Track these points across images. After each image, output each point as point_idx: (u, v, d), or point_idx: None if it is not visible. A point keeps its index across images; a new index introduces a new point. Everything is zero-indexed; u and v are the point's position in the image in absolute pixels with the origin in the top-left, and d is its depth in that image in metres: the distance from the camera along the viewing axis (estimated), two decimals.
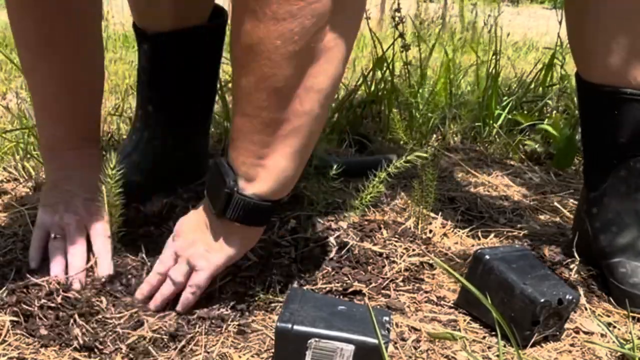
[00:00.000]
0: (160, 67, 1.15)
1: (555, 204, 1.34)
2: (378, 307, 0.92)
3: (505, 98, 1.80)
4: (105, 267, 0.94)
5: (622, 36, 0.95)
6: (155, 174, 1.16)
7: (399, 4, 1.71)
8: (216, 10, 1.17)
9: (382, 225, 1.13)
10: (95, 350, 0.79)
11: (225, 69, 1.96)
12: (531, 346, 0.86)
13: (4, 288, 0.88)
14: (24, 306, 0.84)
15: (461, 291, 0.96)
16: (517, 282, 0.86)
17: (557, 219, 1.28)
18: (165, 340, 0.81)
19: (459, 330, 0.89)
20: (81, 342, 0.79)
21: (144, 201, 1.12)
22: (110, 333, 0.81)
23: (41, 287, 0.88)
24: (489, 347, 0.86)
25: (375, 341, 0.71)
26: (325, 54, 0.76)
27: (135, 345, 0.80)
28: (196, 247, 0.86)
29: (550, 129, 1.57)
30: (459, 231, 1.17)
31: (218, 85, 1.37)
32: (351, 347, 0.72)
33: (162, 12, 1.11)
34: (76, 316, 0.83)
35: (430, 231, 1.15)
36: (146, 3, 1.13)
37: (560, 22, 1.55)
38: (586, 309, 0.96)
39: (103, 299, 0.87)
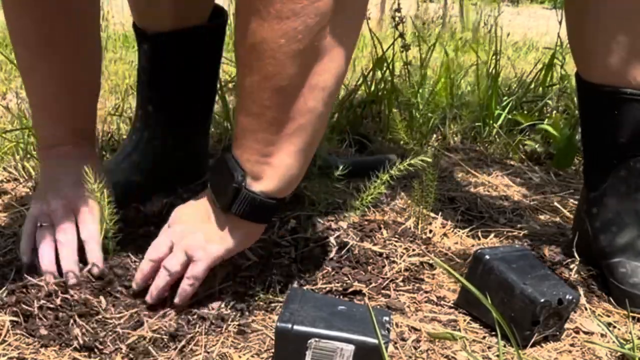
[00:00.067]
0: (160, 67, 1.15)
1: (555, 204, 1.34)
2: (378, 307, 0.92)
3: (505, 98, 1.80)
4: (94, 253, 0.91)
5: (622, 36, 0.95)
6: (155, 174, 1.16)
7: (399, 4, 1.71)
8: (216, 10, 1.17)
9: (382, 225, 1.13)
10: (95, 350, 0.79)
11: (225, 69, 1.96)
12: (531, 346, 0.86)
13: (3, 288, 0.88)
14: (24, 306, 0.84)
15: (461, 291, 0.96)
16: (517, 282, 0.86)
17: (557, 219, 1.28)
18: (165, 340, 0.81)
19: (459, 330, 0.89)
20: (81, 342, 0.79)
21: (144, 201, 1.12)
22: (110, 333, 0.81)
23: (41, 287, 0.88)
24: (489, 347, 0.86)
25: (375, 341, 0.71)
26: (329, 52, 0.76)
27: (135, 345, 0.80)
28: (195, 236, 0.86)
29: (550, 129, 1.57)
30: (459, 231, 1.17)
31: (218, 85, 1.37)
32: (351, 347, 0.72)
33: (162, 12, 1.11)
34: (76, 316, 0.83)
35: (430, 231, 1.15)
36: (146, 3, 1.13)
37: (560, 22, 1.55)
38: (586, 309, 0.96)
39: (103, 299, 0.87)
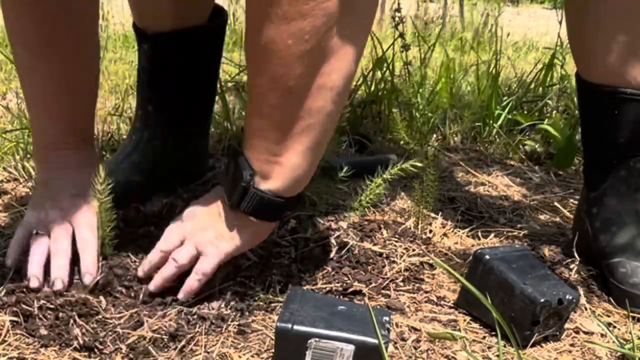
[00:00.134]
0: (160, 67, 1.15)
1: (555, 204, 1.34)
2: (378, 307, 0.92)
3: (505, 98, 1.80)
4: (88, 265, 0.90)
5: (622, 36, 0.95)
6: (155, 174, 1.16)
7: (399, 4, 1.71)
8: (216, 10, 1.17)
9: (382, 225, 1.13)
10: (95, 350, 0.79)
11: (226, 69, 1.97)
12: (531, 346, 0.86)
13: (3, 288, 0.88)
14: (24, 306, 0.84)
15: (461, 291, 0.96)
16: (517, 282, 0.86)
17: (557, 219, 1.28)
18: (165, 340, 0.81)
19: (459, 330, 0.89)
20: (81, 342, 0.79)
21: (144, 201, 1.12)
22: (110, 333, 0.81)
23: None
24: (489, 347, 0.86)
25: (375, 341, 0.71)
26: (337, 52, 0.76)
27: (135, 345, 0.80)
28: (206, 233, 0.87)
29: (550, 129, 1.57)
30: (459, 231, 1.17)
31: (218, 85, 1.37)
32: (351, 347, 0.72)
33: (162, 12, 1.11)
34: (76, 316, 0.83)
35: (430, 231, 1.15)
36: (146, 3, 1.13)
37: (560, 22, 1.55)
38: (586, 309, 0.96)
39: (103, 299, 0.87)
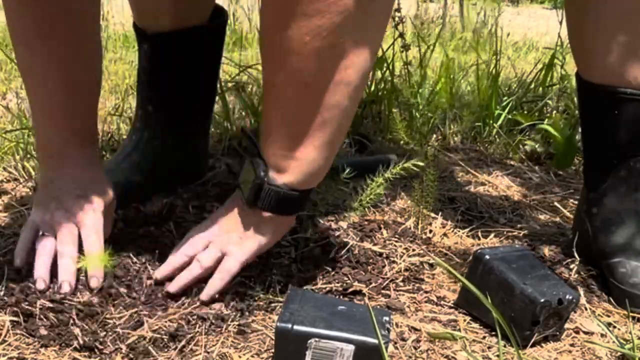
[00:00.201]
0: (160, 67, 1.15)
1: (555, 204, 1.34)
2: (378, 307, 0.91)
3: (505, 98, 1.80)
4: (94, 266, 0.90)
5: (622, 36, 0.95)
6: (155, 174, 1.16)
7: (399, 4, 1.71)
8: (216, 10, 1.17)
9: (382, 225, 1.13)
10: (95, 350, 0.79)
11: (226, 69, 1.96)
12: (531, 346, 0.86)
13: (3, 288, 0.88)
14: (24, 306, 0.84)
15: (461, 291, 0.96)
16: (517, 282, 0.86)
17: (557, 219, 1.28)
18: (165, 340, 0.81)
19: (459, 330, 0.89)
20: (81, 342, 0.79)
21: (144, 201, 1.12)
22: (110, 333, 0.81)
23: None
24: (489, 347, 0.86)
25: (375, 341, 0.71)
26: (354, 48, 0.77)
27: (135, 345, 0.80)
28: (230, 235, 0.89)
29: (550, 129, 1.57)
30: (459, 231, 1.17)
31: (218, 85, 1.37)
32: (351, 347, 0.72)
33: (162, 12, 1.11)
34: (76, 316, 0.83)
35: (430, 231, 1.15)
36: (146, 3, 1.13)
37: (560, 22, 1.55)
38: (586, 309, 0.96)
39: (103, 299, 0.87)
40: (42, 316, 0.83)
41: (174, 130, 1.19)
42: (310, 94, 0.79)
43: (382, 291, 0.96)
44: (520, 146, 1.66)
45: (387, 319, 0.75)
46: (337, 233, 1.07)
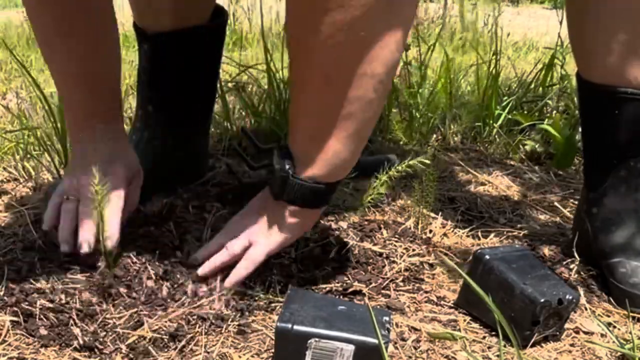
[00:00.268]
0: (160, 67, 1.15)
1: (555, 204, 1.34)
2: (378, 307, 0.92)
3: (505, 98, 1.80)
4: (111, 230, 0.93)
5: (622, 36, 0.95)
6: (155, 174, 1.16)
7: None
8: (216, 10, 1.17)
9: (382, 225, 1.13)
10: (95, 350, 0.79)
11: (226, 69, 1.96)
12: (531, 346, 0.86)
13: (3, 288, 0.88)
14: (24, 306, 0.84)
15: (461, 291, 0.96)
16: (517, 282, 0.86)
17: (557, 219, 1.28)
18: (165, 340, 0.81)
19: (459, 330, 0.89)
20: (81, 342, 0.79)
21: (144, 201, 1.12)
22: (110, 333, 0.81)
23: (41, 287, 0.88)
24: (489, 347, 0.86)
25: (375, 341, 0.71)
26: (378, 41, 0.76)
27: (135, 345, 0.80)
28: (260, 225, 0.91)
29: (550, 129, 1.57)
30: (459, 231, 1.17)
31: (218, 85, 1.37)
32: (351, 347, 0.72)
33: (162, 12, 1.11)
34: (76, 316, 0.83)
35: (430, 231, 1.15)
36: (146, 3, 1.13)
37: (560, 22, 1.55)
38: (586, 309, 0.96)
39: (103, 299, 0.87)
40: (42, 316, 0.83)
41: (174, 130, 1.19)
42: (333, 87, 0.79)
43: (382, 291, 0.96)
44: (520, 146, 1.66)
45: (387, 319, 0.75)
46: (337, 233, 1.07)
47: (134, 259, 0.97)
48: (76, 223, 0.94)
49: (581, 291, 1.00)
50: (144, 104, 1.18)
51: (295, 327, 0.72)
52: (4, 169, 1.35)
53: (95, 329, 0.82)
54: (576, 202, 1.21)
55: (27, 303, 0.84)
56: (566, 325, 0.90)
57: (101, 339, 0.80)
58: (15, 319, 0.83)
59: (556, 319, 0.87)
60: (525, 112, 1.79)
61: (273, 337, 0.81)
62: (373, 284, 0.97)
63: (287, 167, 0.86)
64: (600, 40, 0.97)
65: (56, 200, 0.98)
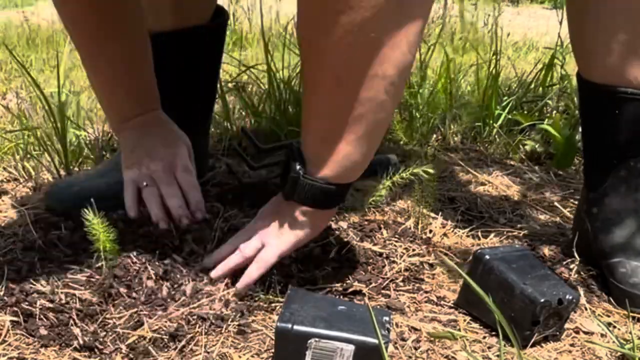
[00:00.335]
0: (161, 67, 1.15)
1: (555, 204, 1.34)
2: (378, 307, 0.92)
3: (505, 98, 1.80)
4: (196, 200, 1.03)
5: (622, 36, 0.95)
6: None
7: None
8: (217, 10, 1.17)
9: (382, 225, 1.13)
10: (95, 350, 0.79)
11: (226, 69, 1.96)
12: (531, 346, 0.86)
13: (3, 288, 0.88)
14: (24, 306, 0.84)
15: (461, 291, 0.96)
16: (517, 282, 0.86)
17: (557, 219, 1.28)
18: (165, 340, 0.81)
19: (459, 330, 0.89)
20: (81, 342, 0.79)
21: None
22: (110, 333, 0.81)
23: (41, 287, 0.88)
24: (489, 347, 0.86)
25: (375, 341, 0.71)
26: (389, 42, 0.76)
27: (135, 345, 0.80)
28: (272, 227, 0.91)
29: (550, 129, 1.57)
30: (459, 231, 1.17)
31: (218, 85, 1.37)
32: (351, 347, 0.72)
33: (163, 12, 1.11)
34: (76, 316, 0.83)
35: (430, 231, 1.15)
36: (147, 3, 1.13)
37: (560, 22, 1.55)
38: (586, 309, 0.96)
39: (103, 299, 0.87)
40: (42, 316, 0.83)
41: None
42: (344, 89, 0.79)
43: (382, 291, 0.96)
44: (520, 146, 1.66)
45: (387, 319, 0.75)
46: (337, 233, 1.07)
47: (134, 259, 0.97)
48: (163, 204, 1.02)
49: (581, 291, 1.00)
50: None
51: (295, 327, 0.72)
52: (4, 169, 1.35)
53: (95, 329, 0.82)
54: (576, 202, 1.21)
55: (27, 303, 0.84)
56: (566, 325, 0.90)
57: (101, 339, 0.80)
58: (15, 319, 0.83)
59: (556, 319, 0.87)
60: (525, 112, 1.79)
61: (273, 337, 0.81)
62: (373, 284, 0.97)
63: (298, 167, 0.86)
64: (600, 40, 0.97)
65: (130, 189, 1.03)
